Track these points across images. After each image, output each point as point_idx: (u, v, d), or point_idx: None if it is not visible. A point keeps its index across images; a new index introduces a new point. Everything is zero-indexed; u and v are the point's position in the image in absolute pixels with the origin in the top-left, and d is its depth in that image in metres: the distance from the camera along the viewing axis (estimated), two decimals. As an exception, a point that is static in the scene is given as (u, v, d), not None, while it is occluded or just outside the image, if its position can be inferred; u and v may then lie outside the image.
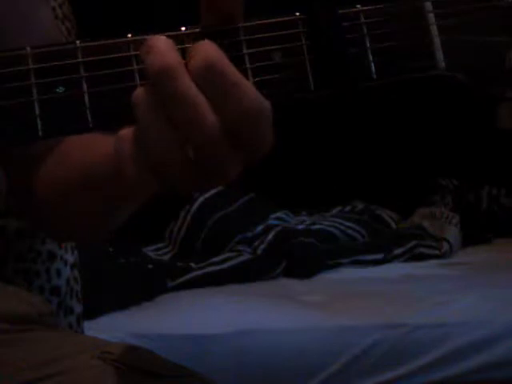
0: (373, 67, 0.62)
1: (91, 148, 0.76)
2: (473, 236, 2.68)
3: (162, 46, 0.59)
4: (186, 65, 0.59)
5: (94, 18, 2.28)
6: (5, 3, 0.84)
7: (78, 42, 0.60)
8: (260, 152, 0.60)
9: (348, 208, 2.78)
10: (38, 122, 0.59)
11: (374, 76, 0.62)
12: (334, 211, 2.76)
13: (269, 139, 0.60)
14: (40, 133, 0.59)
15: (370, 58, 0.62)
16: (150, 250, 2.47)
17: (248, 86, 0.59)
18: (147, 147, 0.59)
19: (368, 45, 0.62)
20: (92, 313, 1.86)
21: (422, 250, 2.50)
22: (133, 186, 0.60)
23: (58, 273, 1.00)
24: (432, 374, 1.91)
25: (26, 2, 0.86)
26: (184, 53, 0.60)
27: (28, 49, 0.60)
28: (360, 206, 2.78)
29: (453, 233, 2.60)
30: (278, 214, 2.61)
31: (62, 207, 0.81)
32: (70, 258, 1.02)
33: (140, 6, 2.64)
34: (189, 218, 2.51)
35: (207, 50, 0.59)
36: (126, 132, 0.60)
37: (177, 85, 0.58)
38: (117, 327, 1.90)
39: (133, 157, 0.60)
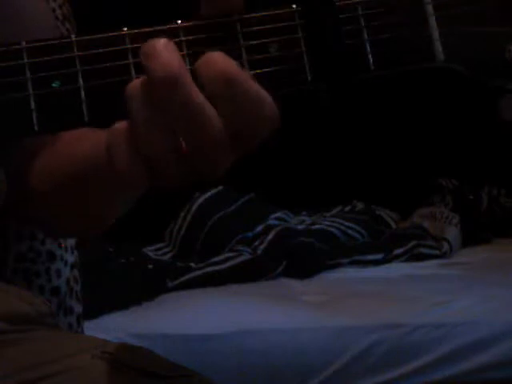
0: (370, 59, 0.62)
1: (82, 141, 0.77)
2: (473, 236, 2.67)
3: (163, 50, 0.58)
4: (191, 70, 0.59)
5: (93, 19, 2.28)
6: None
7: (73, 36, 0.60)
8: (253, 149, 0.61)
9: (348, 208, 2.78)
10: (34, 116, 0.59)
11: (372, 67, 0.62)
12: (334, 211, 2.76)
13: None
14: (36, 127, 0.59)
15: (368, 49, 0.62)
16: (150, 250, 2.47)
17: (267, 99, 0.59)
18: (140, 140, 0.59)
19: (366, 36, 0.62)
20: (92, 313, 1.86)
21: (422, 250, 2.49)
22: (124, 179, 0.60)
23: (58, 273, 1.00)
24: (432, 374, 1.91)
25: (21, 2, 0.86)
26: (181, 47, 0.59)
27: (23, 43, 0.60)
28: (360, 205, 2.78)
29: (453, 233, 2.60)
30: (278, 214, 2.61)
31: (57, 199, 0.82)
32: (70, 258, 1.02)
33: (139, 7, 2.64)
34: (189, 218, 2.51)
35: (223, 62, 0.58)
36: (120, 126, 0.60)
37: (183, 93, 0.58)
38: (117, 327, 1.90)
39: (126, 150, 0.59)
